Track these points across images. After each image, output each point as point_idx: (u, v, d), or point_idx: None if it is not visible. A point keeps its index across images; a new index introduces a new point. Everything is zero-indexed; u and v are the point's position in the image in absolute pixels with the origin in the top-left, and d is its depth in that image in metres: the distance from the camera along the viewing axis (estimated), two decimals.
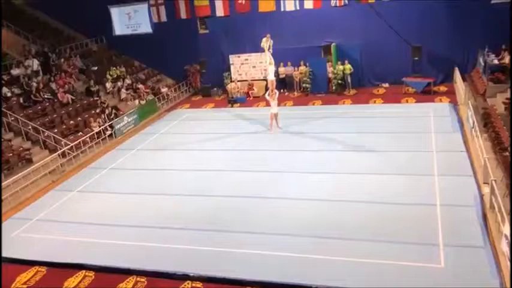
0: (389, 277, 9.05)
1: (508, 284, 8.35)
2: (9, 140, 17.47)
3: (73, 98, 21.54)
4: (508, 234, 8.67)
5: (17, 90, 20.29)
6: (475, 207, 11.12)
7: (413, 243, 10.04)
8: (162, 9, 22.91)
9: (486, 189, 11.42)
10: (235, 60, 25.47)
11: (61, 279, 10.42)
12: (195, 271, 9.96)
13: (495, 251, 9.43)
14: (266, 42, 18.23)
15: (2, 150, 16.21)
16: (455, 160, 13.91)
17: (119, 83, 24.17)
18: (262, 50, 18.98)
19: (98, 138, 19.39)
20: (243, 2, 22.09)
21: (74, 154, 17.87)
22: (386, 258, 9.58)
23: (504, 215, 9.37)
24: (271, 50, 18.34)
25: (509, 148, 12.26)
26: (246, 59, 25.27)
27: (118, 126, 20.54)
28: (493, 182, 10.58)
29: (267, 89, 20.56)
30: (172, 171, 15.74)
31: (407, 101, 20.67)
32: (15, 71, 21.29)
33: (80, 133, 19.19)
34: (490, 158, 12.19)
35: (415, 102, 20.40)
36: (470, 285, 8.52)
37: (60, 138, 18.15)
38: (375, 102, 21.22)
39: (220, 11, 22.72)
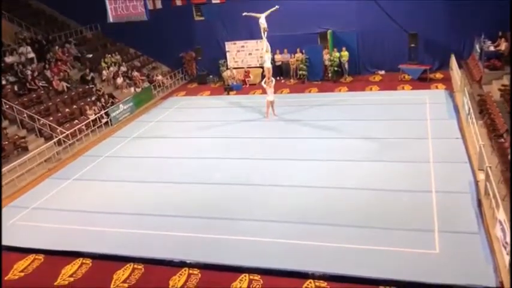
0: (385, 263, 9.13)
1: (502, 271, 8.46)
2: (5, 128, 17.41)
3: (68, 85, 21.43)
4: (503, 219, 8.76)
5: (11, 78, 20.14)
6: (470, 193, 11.19)
7: (409, 229, 10.11)
8: None
9: (481, 176, 11.50)
10: (231, 47, 25.34)
11: (58, 267, 10.46)
12: (192, 258, 10.02)
13: (489, 236, 9.52)
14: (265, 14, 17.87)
15: None
16: (450, 147, 13.96)
17: (112, 68, 24.01)
18: (259, 37, 18.82)
19: (93, 126, 19.36)
20: None
21: (69, 142, 17.83)
22: (382, 245, 9.65)
23: (499, 201, 9.45)
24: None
25: (504, 135, 12.32)
26: (242, 46, 25.14)
27: (114, 114, 20.48)
28: (488, 168, 10.67)
29: (263, 76, 20.48)
30: (168, 159, 15.72)
31: (403, 88, 20.68)
32: (8, 59, 21.09)
33: (76, 121, 19.13)
34: (485, 144, 12.25)
35: (411, 89, 20.41)
36: (464, 270, 8.61)
37: (56, 126, 18.10)
38: (371, 89, 21.21)
39: None
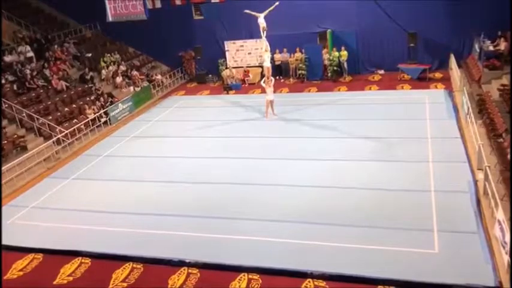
0: (384, 262, 9.14)
1: (501, 270, 8.47)
2: (4, 127, 17.36)
3: (67, 85, 21.41)
4: (502, 219, 8.76)
5: (10, 77, 20.10)
6: (469, 193, 11.21)
7: (408, 228, 10.11)
8: None
9: (480, 175, 11.50)
10: (230, 46, 25.31)
11: (57, 266, 10.46)
12: (191, 257, 10.02)
13: (488, 236, 9.53)
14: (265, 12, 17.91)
15: None
16: (450, 146, 13.97)
17: (111, 67, 23.99)
18: (258, 37, 18.82)
19: (92, 125, 19.33)
20: None
21: (68, 141, 17.81)
22: (381, 244, 9.66)
23: (497, 201, 9.46)
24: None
25: (503, 134, 12.33)
26: (242, 46, 25.12)
27: (113, 113, 20.45)
28: (487, 168, 10.68)
29: (262, 75, 20.48)
30: (167, 158, 15.71)
31: (402, 88, 20.68)
32: (8, 58, 21.07)
33: (75, 120, 19.11)
34: (484, 144, 12.26)
35: (411, 88, 20.41)
36: (463, 270, 8.63)
37: (55, 126, 18.08)
38: (370, 89, 21.21)
39: None
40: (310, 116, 18.19)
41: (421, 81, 21.05)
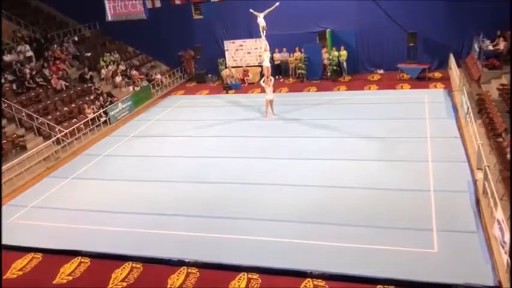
0: (383, 262, 9.14)
1: (500, 270, 8.48)
2: (3, 127, 17.35)
3: (67, 84, 21.39)
4: (501, 219, 8.77)
5: (9, 77, 20.08)
6: (468, 192, 11.21)
7: (407, 228, 10.12)
8: None
9: (479, 175, 11.50)
10: (230, 46, 25.31)
11: (57, 266, 10.47)
12: (190, 257, 10.02)
13: (487, 235, 9.54)
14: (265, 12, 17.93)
15: None
16: (449, 146, 13.97)
17: (110, 67, 23.98)
18: (258, 36, 18.82)
19: (92, 124, 19.32)
20: None
21: (68, 141, 17.81)
22: (380, 244, 9.66)
23: (497, 200, 9.47)
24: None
25: (502, 134, 12.34)
26: (241, 45, 25.11)
27: (112, 112, 20.45)
28: (487, 167, 10.68)
29: (262, 75, 20.48)
30: (166, 157, 15.72)
31: (402, 87, 20.68)
32: (7, 57, 21.05)
33: (74, 120, 19.10)
34: (483, 143, 12.25)
35: (410, 88, 20.41)
36: (463, 270, 8.63)
37: (54, 125, 18.07)
38: (369, 88, 21.21)
39: None
40: (310, 115, 18.19)
41: (420, 80, 21.06)
